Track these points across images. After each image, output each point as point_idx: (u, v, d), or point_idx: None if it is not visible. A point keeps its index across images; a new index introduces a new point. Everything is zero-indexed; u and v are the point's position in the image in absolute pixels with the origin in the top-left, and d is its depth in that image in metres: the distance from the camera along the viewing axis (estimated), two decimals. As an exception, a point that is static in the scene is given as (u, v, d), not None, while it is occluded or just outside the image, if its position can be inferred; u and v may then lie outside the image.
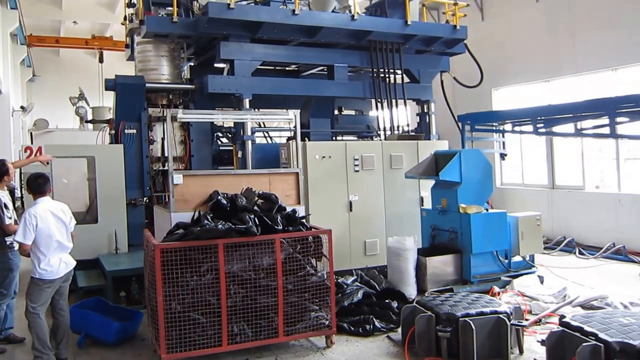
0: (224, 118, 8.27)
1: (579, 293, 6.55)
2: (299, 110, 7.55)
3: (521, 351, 4.96)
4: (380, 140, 9.10)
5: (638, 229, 9.00)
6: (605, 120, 6.90)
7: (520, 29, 11.64)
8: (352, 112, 11.42)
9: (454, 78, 10.42)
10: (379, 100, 9.25)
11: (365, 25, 8.93)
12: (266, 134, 10.64)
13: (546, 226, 10.63)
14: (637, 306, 6.07)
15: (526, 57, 11.47)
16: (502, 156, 9.13)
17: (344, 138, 10.09)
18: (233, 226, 4.90)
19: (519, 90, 11.87)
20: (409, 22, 9.13)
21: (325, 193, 7.83)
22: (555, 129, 7.77)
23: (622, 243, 9.07)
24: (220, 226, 4.86)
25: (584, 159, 10.18)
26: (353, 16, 8.71)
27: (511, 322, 4.86)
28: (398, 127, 9.35)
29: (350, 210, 7.96)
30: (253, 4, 9.08)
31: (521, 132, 8.44)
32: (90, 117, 17.07)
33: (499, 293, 6.52)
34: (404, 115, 9.52)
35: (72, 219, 5.20)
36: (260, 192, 5.66)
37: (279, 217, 5.22)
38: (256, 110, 9.16)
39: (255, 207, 5.24)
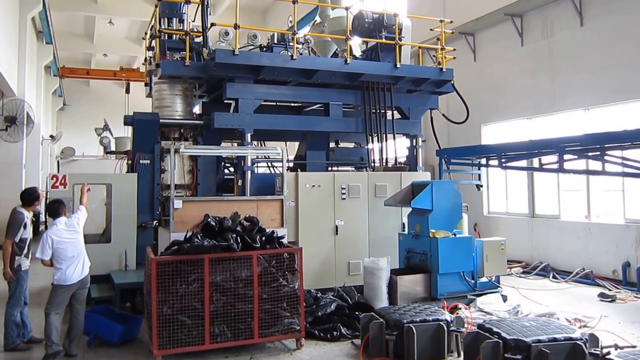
0: (219, 152, 9.44)
1: (532, 310, 7.44)
2: (285, 147, 8.71)
3: (459, 354, 5.88)
4: (367, 171, 10.17)
5: (604, 255, 9.85)
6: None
7: (507, 70, 12.69)
8: (351, 145, 12.54)
9: (443, 115, 11.47)
10: (370, 134, 10.36)
11: (358, 68, 10.07)
12: (270, 164, 11.83)
13: (526, 252, 11.54)
14: (578, 322, 6.94)
15: (512, 96, 12.49)
16: (478, 187, 10.09)
17: (339, 169, 11.19)
18: (217, 243, 6.04)
19: (505, 127, 12.85)
20: (398, 65, 10.24)
21: (314, 218, 8.92)
22: (517, 163, 8.74)
23: (590, 268, 9.93)
24: (206, 243, 6.01)
25: (560, 190, 11.09)
26: (346, 60, 9.91)
27: (450, 328, 5.82)
28: (387, 159, 10.41)
29: (337, 233, 9.02)
30: (257, 49, 10.39)
31: (488, 166, 9.41)
32: (113, 147, 18.64)
33: (452, 307, 7.39)
34: (395, 148, 10.59)
35: (79, 217, 6.31)
36: (247, 215, 6.82)
37: (258, 237, 6.33)
38: (254, 144, 10.35)
39: (238, 228, 6.36)
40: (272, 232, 6.59)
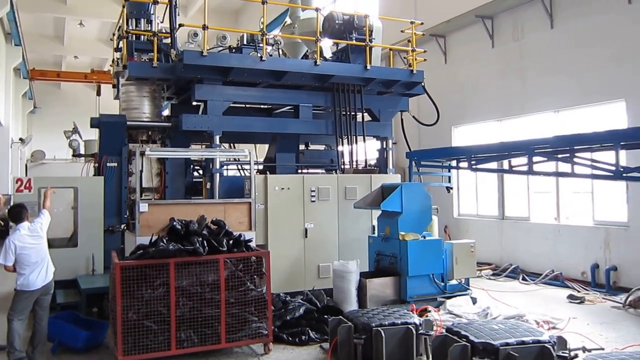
0: (185, 155, 9.25)
1: (502, 312, 7.42)
2: (255, 149, 8.55)
3: (428, 357, 5.80)
4: (337, 173, 10.07)
5: (573, 257, 9.94)
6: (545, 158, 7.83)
7: (478, 72, 12.77)
8: (321, 147, 12.43)
9: (413, 117, 11.46)
10: (340, 137, 10.26)
11: (327, 69, 9.98)
12: (240, 167, 11.64)
13: (496, 254, 11.59)
14: (547, 324, 6.93)
15: (482, 98, 12.56)
16: (448, 189, 10.07)
17: (309, 171, 11.06)
18: (183, 247, 5.84)
19: (475, 129, 12.91)
20: (368, 67, 10.18)
21: (284, 221, 8.79)
22: (487, 165, 8.74)
23: (560, 270, 10.01)
24: (171, 247, 5.81)
25: (529, 193, 11.18)
26: (316, 61, 9.80)
27: (419, 331, 5.73)
28: (357, 161, 10.33)
29: (306, 236, 8.90)
30: (226, 51, 10.21)
31: (458, 168, 9.40)
32: (82, 150, 18.16)
33: (421, 310, 7.32)
34: (366, 150, 10.51)
35: (42, 221, 6.08)
36: (214, 218, 6.63)
37: (225, 240, 6.16)
38: (223, 146, 10.17)
39: (205, 232, 6.18)
40: (240, 235, 6.43)
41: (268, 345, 6.22)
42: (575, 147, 7.21)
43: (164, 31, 10.18)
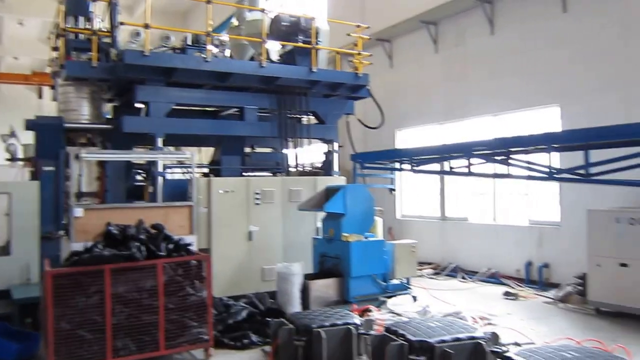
0: (122, 157, 8.95)
1: (441, 310, 7.57)
2: (199, 152, 8.37)
3: (368, 357, 5.81)
4: (282, 176, 10.01)
5: (508, 256, 10.30)
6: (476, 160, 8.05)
7: (422, 76, 13.03)
8: (268, 150, 12.34)
9: (359, 120, 11.54)
10: (286, 139, 10.21)
11: (273, 71, 9.91)
12: (185, 170, 11.37)
13: (437, 254, 11.85)
14: (483, 320, 7.12)
15: (426, 102, 12.83)
16: (391, 191, 10.22)
17: (256, 174, 10.95)
18: (119, 253, 5.63)
19: (418, 132, 13.17)
20: (314, 70, 10.18)
21: (228, 224, 8.66)
22: (429, 167, 8.92)
23: (496, 268, 10.35)
24: (107, 253, 5.59)
25: (468, 194, 11.52)
26: (261, 63, 9.71)
27: (359, 331, 5.75)
28: (303, 164, 10.30)
29: (251, 239, 8.79)
30: (170, 51, 9.96)
31: (401, 170, 9.55)
32: (21, 154, 17.33)
33: (362, 309, 7.38)
34: (311, 153, 10.52)
35: None
36: (154, 223, 6.43)
37: (164, 245, 5.98)
38: (167, 148, 9.92)
39: (143, 236, 5.98)
40: (180, 239, 6.26)
41: (208, 350, 6.08)
42: (511, 149, 7.47)
43: (104, 30, 9.83)
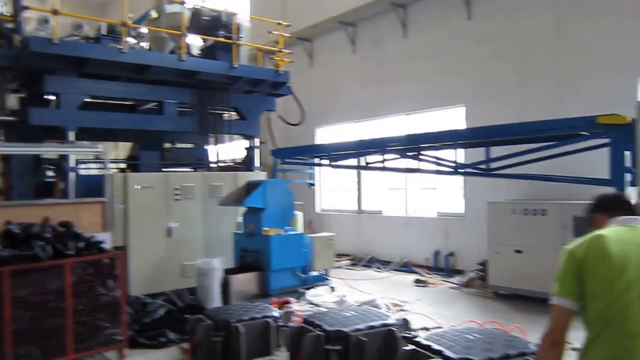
0: (25, 151, 8.18)
1: (357, 299, 7.63)
2: (112, 145, 7.83)
3: (287, 349, 5.71)
4: (203, 171, 9.65)
5: (419, 246, 10.64)
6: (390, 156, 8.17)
7: (341, 76, 13.08)
8: (189, 145, 11.87)
9: (280, 116, 11.39)
10: (207, 135, 9.85)
11: (193, 65, 9.47)
12: (101, 166, 10.66)
13: (354, 246, 12.01)
14: (395, 306, 7.25)
15: (344, 101, 12.89)
16: (310, 185, 10.19)
17: (176, 170, 10.48)
18: (20, 253, 5.11)
19: (337, 130, 13.25)
20: (235, 65, 9.87)
21: (146, 221, 8.18)
22: (346, 162, 8.95)
23: (408, 257, 10.65)
24: (6, 253, 5.05)
25: (383, 189, 11.76)
26: (181, 57, 9.26)
27: (278, 324, 5.62)
28: (224, 159, 9.99)
29: (170, 236, 8.38)
30: (83, 40, 9.25)
31: (320, 165, 9.54)
32: None
33: (282, 302, 7.27)
34: (232, 149, 10.22)
35: None
36: (62, 220, 5.91)
37: (72, 243, 5.51)
38: (81, 143, 9.23)
39: (48, 235, 5.48)
40: (91, 237, 5.80)
41: (122, 351, 5.69)
42: (422, 145, 7.64)
43: (6, 14, 8.94)
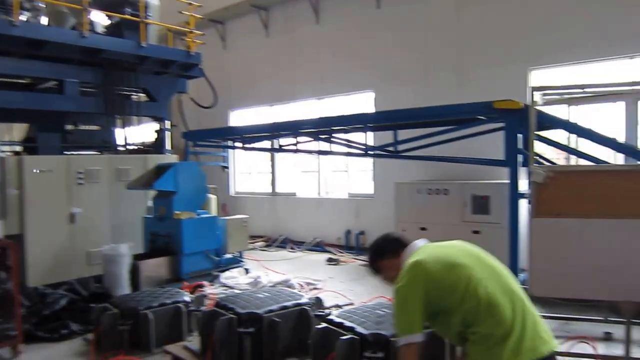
0: None
1: (272, 279, 7.47)
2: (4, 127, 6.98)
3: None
4: (109, 154, 8.95)
5: (331, 226, 10.70)
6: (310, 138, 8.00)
7: (254, 59, 12.68)
8: (95, 127, 10.96)
9: (192, 99, 10.81)
10: (113, 116, 9.10)
11: (96, 43, 8.65)
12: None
13: (268, 227, 11.85)
14: (309, 285, 7.19)
15: (258, 84, 12.52)
16: (223, 168, 9.83)
17: (80, 153, 9.63)
18: None
19: (251, 113, 12.89)
20: (143, 45, 9.17)
21: (45, 207, 7.40)
22: (260, 145, 8.69)
23: (321, 237, 10.68)
24: None
25: (297, 171, 11.67)
26: (82, 33, 8.43)
27: (189, 308, 5.31)
28: (133, 142, 9.31)
29: (73, 222, 7.66)
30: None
31: (234, 147, 9.20)
32: None
33: (194, 286, 6.95)
34: (141, 131, 9.55)
35: None
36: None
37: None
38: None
39: None
40: (-23, 225, 5.10)
41: (17, 347, 5.08)
42: (333, 128, 7.57)
43: None
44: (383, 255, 2.58)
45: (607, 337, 4.93)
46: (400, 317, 2.26)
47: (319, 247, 10.57)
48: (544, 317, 5.39)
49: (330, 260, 9.37)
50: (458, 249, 2.44)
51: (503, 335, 2.12)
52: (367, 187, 10.46)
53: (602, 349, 4.65)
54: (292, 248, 10.78)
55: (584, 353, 4.33)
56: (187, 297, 5.49)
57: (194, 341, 4.95)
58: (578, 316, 5.47)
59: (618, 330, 4.37)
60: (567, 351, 4.50)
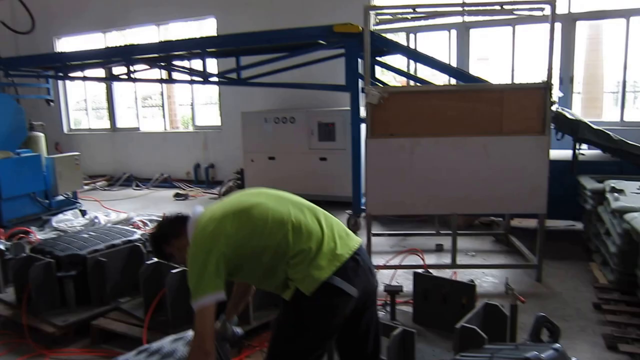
0: None
1: (112, 219, 6.67)
2: None
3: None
4: None
5: (179, 160, 9.94)
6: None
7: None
8: None
9: (2, 22, 8.79)
10: None
11: None
12: None
13: (110, 165, 10.71)
14: (153, 222, 6.52)
15: (87, 8, 10.59)
16: (48, 102, 8.34)
17: None
18: None
19: (81, 40, 11.03)
20: None
21: None
22: (91, 74, 7.44)
23: (169, 173, 9.91)
24: None
25: (139, 106, 10.45)
26: None
27: (5, 257, 4.39)
28: None
29: None
30: None
31: (57, 78, 7.79)
32: None
33: (10, 233, 5.85)
34: None
35: None
36: None
37: None
38: None
39: None
40: None
41: None
42: (172, 54, 6.73)
43: None
44: (167, 240, 2.23)
45: (439, 249, 5.25)
46: (195, 277, 1.97)
47: (167, 183, 9.76)
48: (382, 234, 5.73)
49: (178, 195, 8.70)
50: (240, 195, 2.24)
51: (317, 244, 2.04)
52: (214, 119, 9.79)
53: (433, 259, 4.93)
54: (137, 186, 9.80)
55: (415, 264, 4.52)
56: (2, 246, 4.54)
57: (8, 292, 4.13)
58: (413, 232, 5.78)
59: (448, 242, 4.63)
60: (399, 264, 4.68)
